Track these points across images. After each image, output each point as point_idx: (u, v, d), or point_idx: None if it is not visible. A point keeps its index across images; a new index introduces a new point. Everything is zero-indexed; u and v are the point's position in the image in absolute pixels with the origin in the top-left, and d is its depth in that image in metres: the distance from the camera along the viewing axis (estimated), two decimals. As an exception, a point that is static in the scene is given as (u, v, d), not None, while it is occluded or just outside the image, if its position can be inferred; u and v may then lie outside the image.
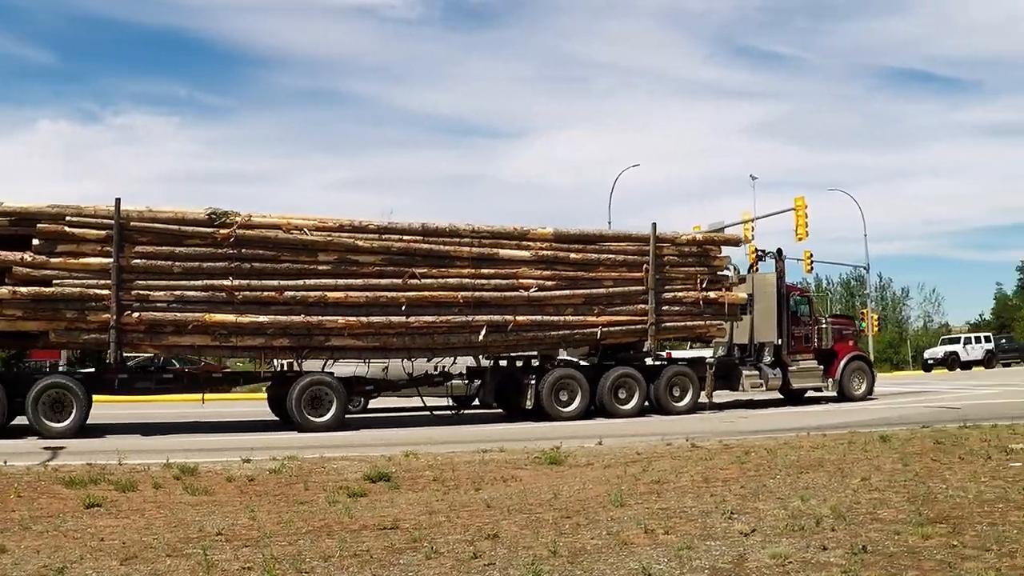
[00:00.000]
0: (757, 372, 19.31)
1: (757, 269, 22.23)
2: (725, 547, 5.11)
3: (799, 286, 20.43)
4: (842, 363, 20.12)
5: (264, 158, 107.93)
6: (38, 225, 14.89)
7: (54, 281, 14.88)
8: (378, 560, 5.07)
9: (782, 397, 20.65)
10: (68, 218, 15.04)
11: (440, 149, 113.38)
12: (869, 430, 12.16)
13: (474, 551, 5.13)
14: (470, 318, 16.79)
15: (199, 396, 17.29)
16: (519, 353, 18.33)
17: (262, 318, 15.66)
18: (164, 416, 19.11)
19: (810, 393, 20.72)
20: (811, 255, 41.56)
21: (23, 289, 14.70)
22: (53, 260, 14.94)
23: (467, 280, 16.91)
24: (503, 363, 18.43)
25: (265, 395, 18.76)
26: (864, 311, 47.57)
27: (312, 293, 15.94)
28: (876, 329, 47.83)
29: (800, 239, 33.82)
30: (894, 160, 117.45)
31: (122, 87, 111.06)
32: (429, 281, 16.66)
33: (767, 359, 19.54)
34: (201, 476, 9.28)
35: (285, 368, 17.22)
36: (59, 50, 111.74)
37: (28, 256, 14.85)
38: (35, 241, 14.88)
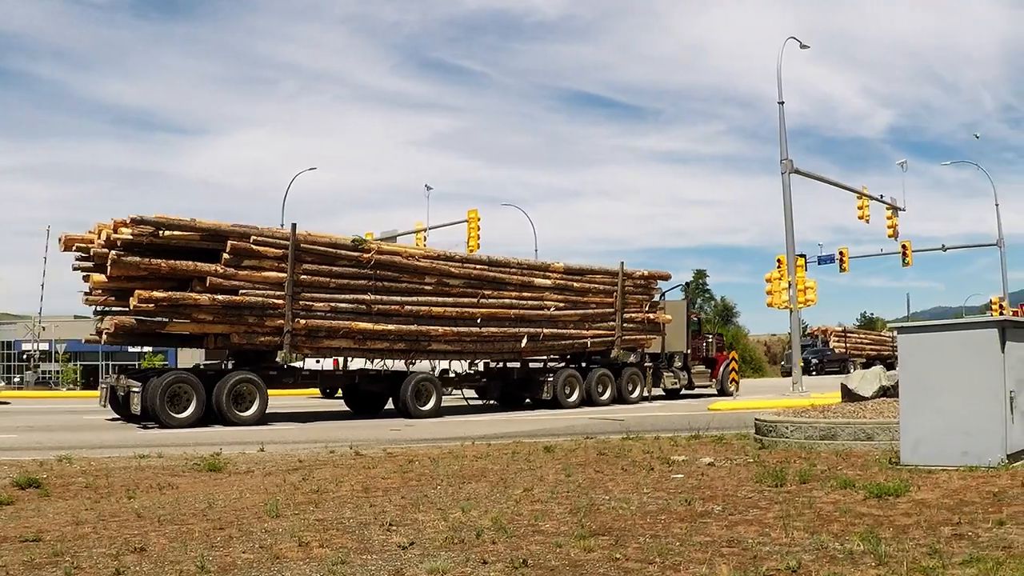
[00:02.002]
0: (673, 374, 26.95)
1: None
2: (382, 561, 4.99)
3: (694, 310, 28.30)
4: (722, 368, 28.55)
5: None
6: (230, 242, 17.57)
7: (240, 291, 17.66)
8: None
9: (664, 393, 28.15)
10: (253, 238, 17.88)
11: (122, 141, 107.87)
12: (533, 440, 12.54)
13: (118, 566, 4.91)
14: (517, 330, 22.21)
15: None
16: (529, 357, 23.88)
17: (390, 326, 19.67)
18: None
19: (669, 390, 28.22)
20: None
21: (220, 296, 17.34)
22: (241, 272, 17.72)
23: (515, 301, 22.29)
24: (512, 366, 23.77)
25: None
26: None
27: (422, 308, 20.27)
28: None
29: (472, 251, 33.92)
30: (569, 180, 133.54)
31: None
32: (492, 301, 21.76)
33: (677, 364, 27.28)
34: None
35: (387, 368, 21.21)
36: None
37: (220, 268, 17.47)
38: (225, 255, 17.53)
